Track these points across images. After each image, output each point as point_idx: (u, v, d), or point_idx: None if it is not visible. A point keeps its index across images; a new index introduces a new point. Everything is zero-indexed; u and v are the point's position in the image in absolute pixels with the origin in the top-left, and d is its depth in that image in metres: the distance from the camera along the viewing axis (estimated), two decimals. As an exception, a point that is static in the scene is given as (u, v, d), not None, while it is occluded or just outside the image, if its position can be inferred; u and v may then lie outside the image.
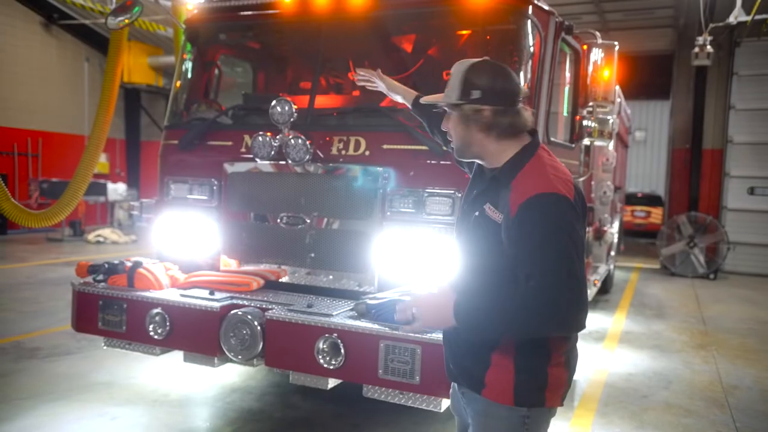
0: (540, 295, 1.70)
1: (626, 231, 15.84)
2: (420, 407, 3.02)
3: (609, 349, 6.40)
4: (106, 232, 14.11)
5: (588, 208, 6.22)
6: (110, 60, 6.22)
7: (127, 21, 4.25)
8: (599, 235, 7.56)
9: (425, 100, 2.22)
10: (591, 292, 6.74)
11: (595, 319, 7.75)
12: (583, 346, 6.35)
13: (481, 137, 1.92)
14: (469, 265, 1.98)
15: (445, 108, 2.00)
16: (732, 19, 10.80)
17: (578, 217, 1.82)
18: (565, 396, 1.97)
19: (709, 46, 11.29)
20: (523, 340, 1.86)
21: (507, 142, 1.92)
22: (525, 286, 1.74)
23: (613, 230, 9.08)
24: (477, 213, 1.95)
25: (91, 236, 13.98)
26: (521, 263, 1.77)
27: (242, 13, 4.42)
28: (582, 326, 1.78)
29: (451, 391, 2.20)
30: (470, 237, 1.97)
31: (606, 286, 9.34)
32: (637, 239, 18.14)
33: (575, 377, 5.26)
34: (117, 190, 15.72)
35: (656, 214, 18.59)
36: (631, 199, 18.47)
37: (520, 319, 1.73)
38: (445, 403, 2.98)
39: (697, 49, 11.37)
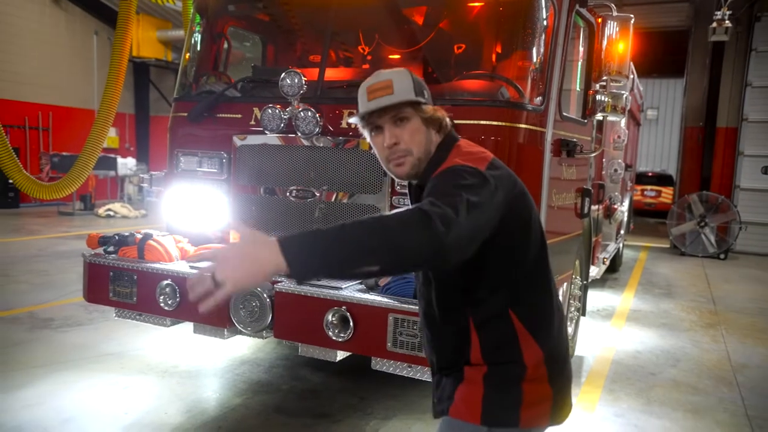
0: (435, 208, 1.43)
1: (636, 210, 15.75)
2: (428, 381, 3.03)
3: (617, 327, 6.40)
4: (116, 207, 14.20)
5: (599, 185, 6.21)
6: (119, 33, 6.18)
7: (135, -9, 4.21)
8: (609, 213, 7.52)
9: (377, 104, 1.74)
10: (600, 270, 6.73)
11: (603, 297, 7.75)
12: (591, 324, 6.35)
13: (435, 140, 1.80)
14: (423, 288, 1.83)
15: (394, 117, 1.74)
16: (752, -7, 10.55)
17: (485, 182, 1.59)
18: (559, 414, 1.75)
19: (727, 21, 11.06)
20: (492, 354, 1.67)
21: (434, 139, 1.80)
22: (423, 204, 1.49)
23: (623, 209, 9.02)
24: None
25: (101, 210, 14.08)
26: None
27: (252, -17, 4.36)
28: (436, 254, 1.41)
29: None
30: None
31: (615, 265, 9.32)
32: (647, 219, 18.03)
33: (583, 354, 5.31)
34: (127, 164, 15.78)
35: (667, 194, 18.46)
36: (641, 179, 18.35)
37: (395, 227, 1.40)
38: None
39: (715, 24, 11.14)
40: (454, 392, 1.72)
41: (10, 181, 6.44)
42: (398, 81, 1.75)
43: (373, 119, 1.77)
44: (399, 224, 1.41)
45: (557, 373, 1.75)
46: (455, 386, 1.73)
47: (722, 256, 11.73)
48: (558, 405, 1.74)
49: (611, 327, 6.40)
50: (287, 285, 3.32)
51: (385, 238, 1.39)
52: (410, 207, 1.53)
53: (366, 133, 1.83)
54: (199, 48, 4.71)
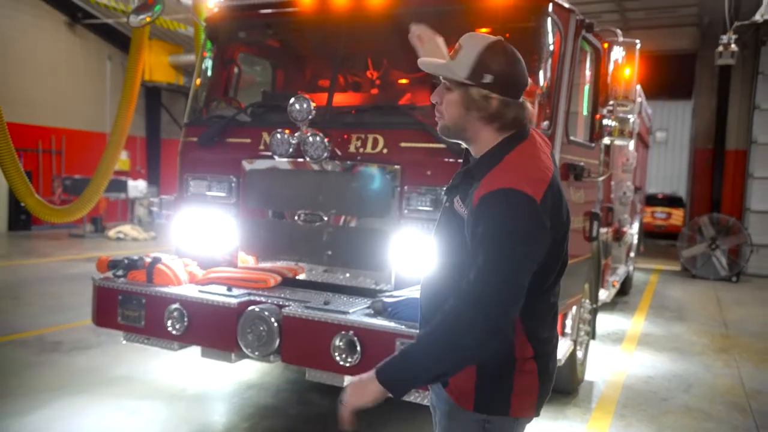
0: (475, 301, 1.59)
1: (646, 232, 15.64)
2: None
3: (627, 351, 6.32)
4: (127, 229, 14.29)
5: (608, 208, 6.19)
6: (131, 58, 6.29)
7: (148, 19, 4.30)
8: (619, 236, 7.48)
9: (423, 62, 1.82)
10: (610, 293, 6.67)
11: (613, 321, 7.67)
12: (601, 348, 6.28)
13: (479, 126, 1.73)
14: (437, 262, 1.85)
15: (445, 81, 1.75)
16: (758, 17, 10.56)
17: (539, 223, 1.62)
18: (541, 406, 1.82)
19: (733, 45, 11.08)
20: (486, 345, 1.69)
21: (497, 135, 1.74)
22: (464, 291, 1.61)
23: (633, 231, 8.97)
24: (447, 205, 1.84)
25: (111, 233, 14.17)
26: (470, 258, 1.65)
27: (262, 11, 4.45)
28: (484, 353, 1.61)
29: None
30: (439, 232, 1.85)
31: (625, 288, 9.23)
32: (657, 241, 17.90)
33: (593, 378, 5.24)
34: (137, 187, 15.91)
35: (677, 216, 18.34)
36: (651, 201, 18.24)
37: (447, 342, 1.60)
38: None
39: (721, 48, 11.16)
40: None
41: (23, 204, 6.52)
42: (464, 51, 1.70)
43: None
44: (473, 341, 1.59)
45: (548, 369, 1.81)
46: None
47: (734, 278, 11.60)
48: (542, 398, 1.82)
49: (622, 351, 6.33)
50: (295, 309, 3.32)
51: (461, 358, 1.63)
52: (466, 303, 1.60)
53: None
54: (209, 73, 4.79)
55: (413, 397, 3.01)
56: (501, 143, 1.73)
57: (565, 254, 1.81)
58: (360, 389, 1.71)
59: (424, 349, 1.65)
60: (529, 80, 1.78)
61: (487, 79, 1.67)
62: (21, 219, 14.80)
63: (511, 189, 1.60)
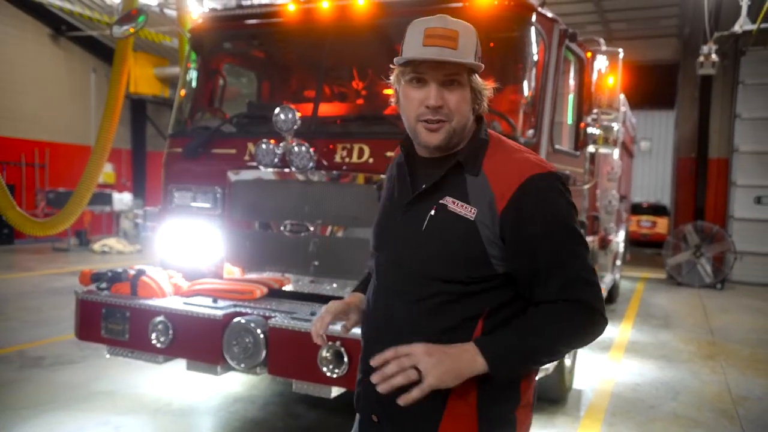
0: (595, 292, 1.52)
1: (632, 241, 15.76)
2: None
3: (615, 359, 6.33)
4: (112, 242, 14.14)
5: (593, 216, 6.22)
6: (115, 69, 6.26)
7: (132, 30, 4.28)
8: (605, 244, 7.51)
9: (437, 56, 1.48)
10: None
11: (601, 329, 7.67)
12: (589, 356, 6.29)
13: (470, 116, 1.59)
14: (426, 271, 1.55)
15: (450, 77, 1.51)
16: (737, 28, 10.78)
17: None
18: None
19: (714, 55, 11.28)
20: (487, 380, 1.50)
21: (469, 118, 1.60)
22: (574, 287, 1.49)
23: (619, 240, 9.03)
24: (433, 211, 1.55)
25: (96, 246, 14.01)
26: (539, 262, 1.48)
27: (246, 22, 4.44)
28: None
29: None
30: (422, 240, 1.55)
31: (612, 296, 9.27)
32: (643, 249, 18.04)
33: (582, 387, 5.24)
34: (122, 199, 15.78)
35: (662, 224, 18.53)
36: (636, 209, 18.43)
37: (580, 328, 1.52)
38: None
39: (702, 58, 11.36)
40: (437, 429, 1.53)
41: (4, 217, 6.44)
42: (465, 37, 1.50)
43: (422, 69, 1.51)
44: (588, 325, 1.53)
45: (535, 396, 1.71)
46: (437, 421, 1.53)
47: (719, 286, 11.71)
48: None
49: (609, 359, 6.34)
50: (281, 320, 3.29)
51: (574, 340, 1.55)
52: (581, 301, 1.51)
53: (399, 81, 1.59)
54: (194, 84, 4.77)
55: None
56: (477, 129, 1.62)
57: None
58: (451, 358, 1.43)
59: (548, 341, 1.50)
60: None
61: (475, 59, 1.54)
62: (3, 233, 14.60)
63: (542, 173, 1.51)
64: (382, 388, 1.46)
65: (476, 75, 1.56)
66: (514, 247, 1.50)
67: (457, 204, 1.53)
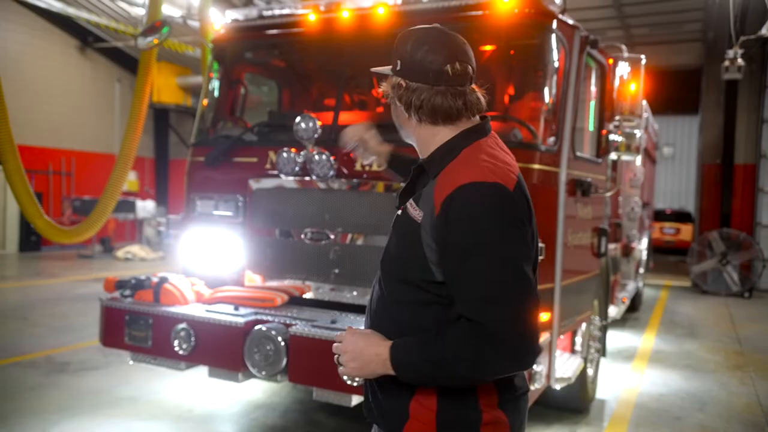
0: (499, 315, 1.38)
1: (655, 248, 15.54)
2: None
3: (639, 369, 6.23)
4: (135, 249, 14.34)
5: (615, 224, 6.15)
6: (140, 79, 6.36)
7: (156, 41, 4.36)
8: (627, 251, 7.42)
9: (377, 69, 1.75)
10: (619, 309, 6.60)
11: (624, 338, 7.58)
12: (612, 365, 6.20)
13: (405, 119, 1.63)
14: (384, 274, 1.63)
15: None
16: (764, 31, 10.59)
17: (520, 211, 1.47)
18: None
19: (740, 60, 11.09)
20: (446, 394, 1.51)
21: (435, 129, 1.58)
22: (475, 306, 1.40)
23: (642, 247, 8.91)
24: (399, 212, 1.63)
25: (120, 253, 14.23)
26: (455, 280, 1.43)
27: (268, 32, 4.49)
28: (533, 361, 1.43)
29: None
30: (390, 241, 1.65)
31: (635, 304, 9.14)
32: (667, 256, 17.77)
33: (604, 396, 5.16)
34: (146, 207, 16.00)
35: (686, 231, 18.24)
36: (659, 216, 18.18)
37: (476, 353, 1.39)
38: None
39: (727, 63, 11.17)
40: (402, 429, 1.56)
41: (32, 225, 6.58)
42: (399, 43, 1.62)
43: None
44: (484, 350, 1.39)
45: (515, 412, 1.57)
46: (403, 421, 1.55)
47: (746, 294, 11.46)
48: None
49: (633, 369, 6.24)
50: (302, 328, 3.31)
51: (472, 365, 1.41)
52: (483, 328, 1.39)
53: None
54: (216, 94, 4.83)
55: None
56: (456, 137, 1.57)
57: (536, 281, 1.53)
58: (362, 359, 1.52)
59: (442, 359, 1.42)
60: (457, 66, 1.55)
61: (398, 66, 1.60)
62: (31, 240, 14.91)
63: (475, 182, 1.44)
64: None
65: (392, 78, 1.63)
66: (439, 256, 1.47)
67: (413, 207, 1.57)
